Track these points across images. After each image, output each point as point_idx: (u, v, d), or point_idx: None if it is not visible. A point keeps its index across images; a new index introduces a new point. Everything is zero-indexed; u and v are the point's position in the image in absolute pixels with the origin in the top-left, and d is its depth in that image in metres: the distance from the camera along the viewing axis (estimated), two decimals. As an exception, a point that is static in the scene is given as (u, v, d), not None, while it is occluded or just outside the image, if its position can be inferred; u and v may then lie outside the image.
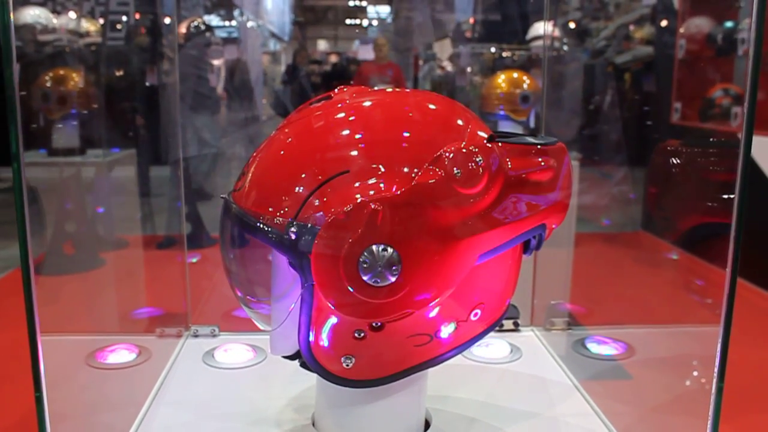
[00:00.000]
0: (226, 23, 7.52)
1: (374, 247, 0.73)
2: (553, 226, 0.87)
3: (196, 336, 1.23)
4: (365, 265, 0.73)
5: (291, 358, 0.87)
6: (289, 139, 0.82)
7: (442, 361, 0.83)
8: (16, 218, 0.68)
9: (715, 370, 0.76)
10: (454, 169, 0.75)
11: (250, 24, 7.60)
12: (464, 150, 0.76)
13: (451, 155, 0.75)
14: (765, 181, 3.89)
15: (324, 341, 0.79)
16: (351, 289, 0.74)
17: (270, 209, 0.77)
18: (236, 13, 7.54)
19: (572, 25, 5.96)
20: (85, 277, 2.77)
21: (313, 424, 0.93)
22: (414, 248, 0.73)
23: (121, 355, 1.18)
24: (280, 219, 0.76)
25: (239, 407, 0.99)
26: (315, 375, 0.87)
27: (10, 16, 0.69)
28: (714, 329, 0.80)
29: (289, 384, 1.03)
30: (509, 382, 1.09)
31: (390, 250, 0.73)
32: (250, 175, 0.82)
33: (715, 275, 0.81)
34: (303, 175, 0.77)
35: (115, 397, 1.10)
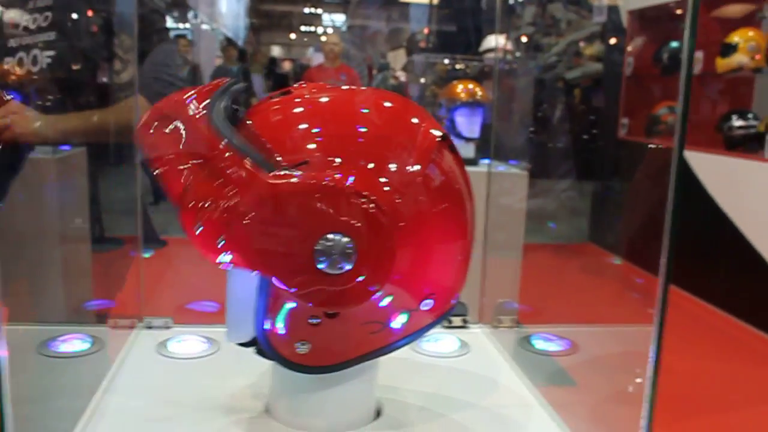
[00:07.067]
0: (180, 25, 7.45)
1: (330, 235, 0.76)
2: None
3: (149, 327, 1.24)
4: (320, 254, 0.76)
5: (246, 345, 0.89)
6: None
7: (394, 350, 0.86)
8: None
9: (650, 367, 0.81)
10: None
11: (204, 27, 7.54)
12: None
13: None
14: (705, 195, 4.03)
15: (280, 327, 0.81)
16: (308, 277, 0.76)
17: None
18: (190, 15, 7.48)
19: (524, 39, 6.09)
20: (34, 271, 2.71)
21: (266, 412, 0.95)
22: (367, 235, 0.76)
23: (73, 344, 1.18)
24: None
25: (193, 395, 1.00)
26: (270, 364, 0.89)
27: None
28: (649, 329, 0.85)
29: (244, 374, 1.04)
30: (458, 375, 1.12)
31: (345, 238, 0.76)
32: None
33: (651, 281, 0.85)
34: None
35: (67, 384, 1.09)
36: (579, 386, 1.18)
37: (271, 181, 0.76)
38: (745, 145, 4.18)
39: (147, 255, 1.43)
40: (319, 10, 9.75)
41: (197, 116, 0.81)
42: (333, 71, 4.93)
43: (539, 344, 1.28)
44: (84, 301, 1.60)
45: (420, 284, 0.83)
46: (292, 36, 10.83)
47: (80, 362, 1.13)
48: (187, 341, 1.18)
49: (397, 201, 0.78)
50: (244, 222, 0.76)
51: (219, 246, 0.77)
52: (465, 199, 0.86)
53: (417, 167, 0.81)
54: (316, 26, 10.53)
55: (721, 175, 4.02)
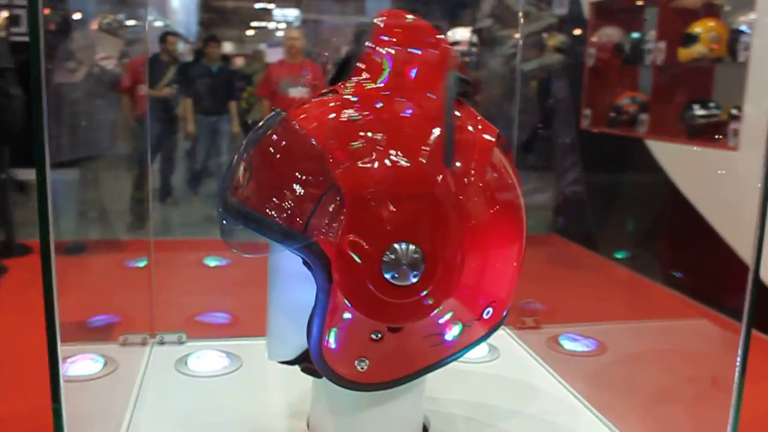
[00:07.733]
0: (131, 22, 7.26)
1: (397, 246, 0.71)
2: None
3: (162, 343, 1.17)
4: (388, 263, 0.71)
5: (290, 363, 0.84)
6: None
7: (451, 362, 0.82)
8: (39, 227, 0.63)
9: (737, 373, 0.78)
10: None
11: (157, 23, 7.37)
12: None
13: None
14: (669, 183, 4.09)
15: (336, 344, 0.76)
16: (372, 288, 0.71)
17: (285, 206, 0.73)
18: (141, 11, 7.30)
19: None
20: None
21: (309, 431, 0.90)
22: (436, 244, 0.72)
23: (86, 365, 1.10)
24: (296, 218, 0.72)
25: (227, 417, 0.94)
26: (308, 380, 0.84)
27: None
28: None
29: (274, 391, 0.99)
30: (495, 380, 1.08)
31: (413, 248, 0.71)
32: (252, 171, 0.77)
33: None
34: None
35: (90, 410, 1.02)
36: (619, 388, 1.15)
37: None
38: (707, 133, 4.24)
39: (142, 264, 1.36)
40: (271, 5, 9.60)
41: None
42: (296, 67, 4.67)
43: (567, 344, 1.26)
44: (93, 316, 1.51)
45: (484, 291, 0.80)
46: (249, 33, 10.67)
47: (99, 385, 1.06)
48: (206, 357, 1.11)
49: (460, 202, 0.74)
50: (361, 174, 0.72)
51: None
52: (519, 201, 0.83)
53: (476, 170, 0.77)
54: (267, 21, 10.37)
55: (685, 164, 4.08)
